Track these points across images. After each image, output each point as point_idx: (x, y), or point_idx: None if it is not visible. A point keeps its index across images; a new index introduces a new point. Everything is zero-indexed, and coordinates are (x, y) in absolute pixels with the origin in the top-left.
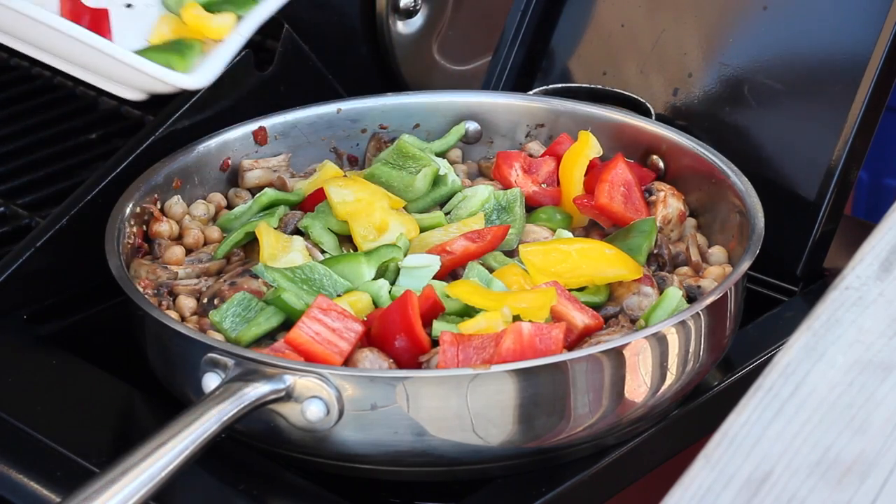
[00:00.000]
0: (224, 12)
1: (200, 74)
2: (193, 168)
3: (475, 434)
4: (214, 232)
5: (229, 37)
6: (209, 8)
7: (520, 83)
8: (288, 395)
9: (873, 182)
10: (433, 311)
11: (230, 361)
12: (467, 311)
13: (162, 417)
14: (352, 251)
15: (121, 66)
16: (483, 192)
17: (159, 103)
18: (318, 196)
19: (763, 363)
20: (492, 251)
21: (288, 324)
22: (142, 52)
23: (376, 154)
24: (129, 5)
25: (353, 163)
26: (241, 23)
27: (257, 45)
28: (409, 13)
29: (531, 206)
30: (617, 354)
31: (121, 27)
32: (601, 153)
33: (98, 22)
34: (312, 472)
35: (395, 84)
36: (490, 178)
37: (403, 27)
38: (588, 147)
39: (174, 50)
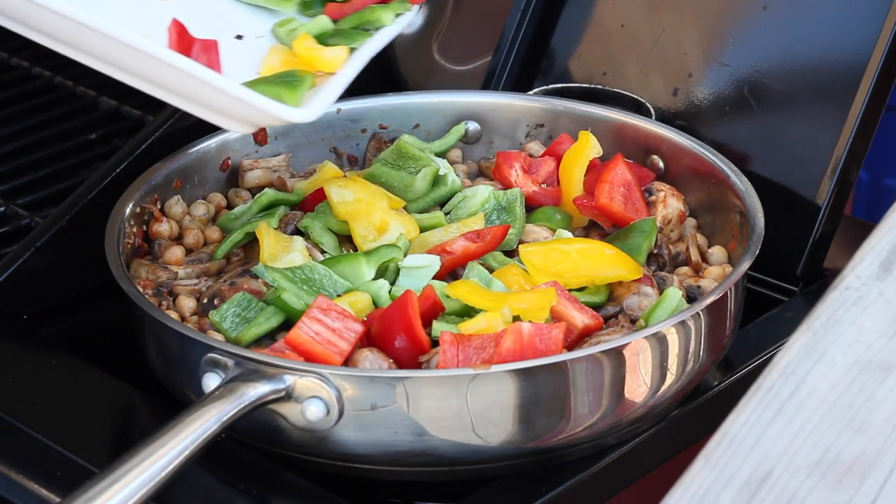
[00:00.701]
0: (336, 45)
1: (311, 108)
2: (193, 168)
3: (475, 434)
4: (214, 232)
5: (341, 70)
6: (321, 40)
7: (520, 83)
8: (288, 395)
9: (873, 182)
10: (433, 311)
11: (230, 361)
12: (467, 311)
13: (162, 417)
14: (352, 251)
15: (230, 99)
16: (483, 192)
17: (159, 104)
18: (318, 196)
19: (763, 363)
20: (492, 251)
21: (288, 324)
22: (251, 84)
23: (376, 154)
24: (239, 37)
25: (353, 163)
26: (353, 56)
27: None
28: None
29: (531, 206)
30: (617, 354)
31: (230, 59)
32: (601, 153)
33: (207, 54)
34: (312, 472)
35: (395, 84)
36: (490, 178)
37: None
38: (588, 147)
39: (285, 82)
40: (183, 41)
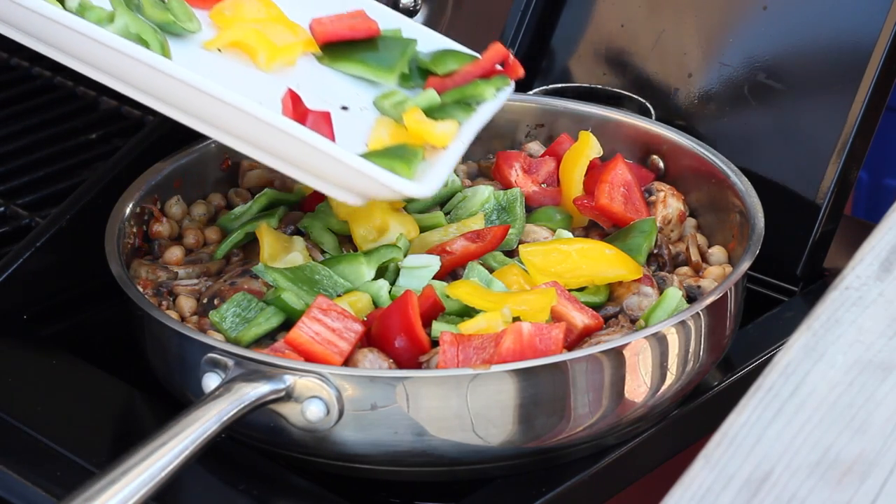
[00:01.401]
0: (446, 119)
1: (428, 183)
2: (193, 168)
3: (475, 434)
4: (214, 232)
5: (452, 144)
6: (429, 113)
7: (520, 83)
8: (288, 395)
9: (873, 182)
10: (433, 311)
11: (230, 361)
12: (467, 311)
13: (162, 417)
14: (352, 251)
15: (349, 171)
16: (483, 192)
17: None
18: (318, 196)
19: (763, 363)
20: (492, 251)
21: (288, 324)
22: (366, 157)
23: None
24: (344, 108)
25: None
26: (462, 129)
27: None
28: (409, 13)
29: (531, 206)
30: (617, 354)
31: (339, 130)
32: (601, 153)
33: (322, 125)
34: (312, 472)
35: None
36: (490, 178)
37: None
38: (588, 147)
39: (398, 156)
40: (298, 111)
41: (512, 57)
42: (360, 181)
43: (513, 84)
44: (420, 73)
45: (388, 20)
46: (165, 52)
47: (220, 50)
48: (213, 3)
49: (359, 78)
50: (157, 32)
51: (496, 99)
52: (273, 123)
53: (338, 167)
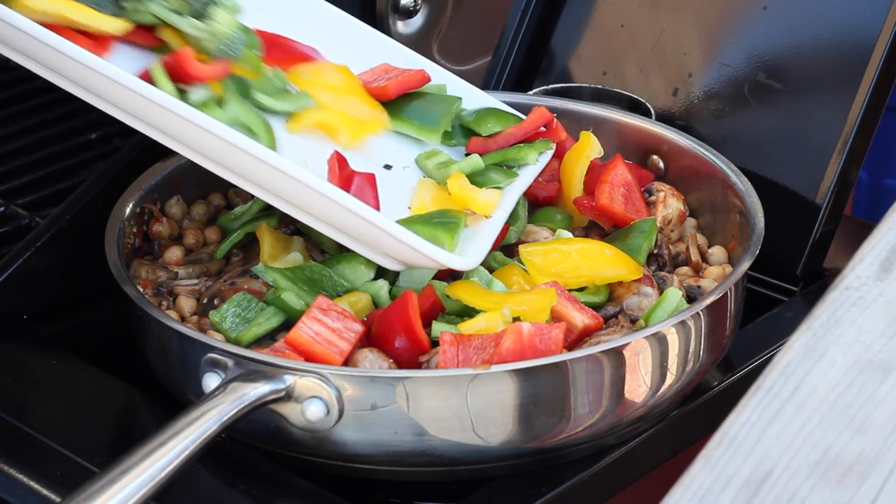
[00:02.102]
0: (487, 182)
1: (471, 256)
2: (193, 168)
3: (475, 434)
4: (214, 232)
5: (495, 213)
6: (471, 176)
7: (520, 83)
8: (288, 395)
9: (873, 182)
10: (433, 311)
11: (230, 361)
12: (467, 312)
13: (162, 417)
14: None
15: (393, 240)
16: None
17: None
18: None
19: (763, 363)
20: (493, 251)
21: (288, 324)
22: (408, 224)
23: None
24: (387, 166)
25: None
26: (504, 196)
27: None
28: (409, 13)
29: (532, 205)
30: (617, 354)
31: (382, 191)
32: (602, 153)
33: (367, 188)
34: (313, 472)
35: None
36: None
37: (403, 27)
38: (589, 147)
39: (441, 224)
40: (343, 174)
41: (556, 121)
42: (404, 251)
43: (554, 147)
44: (462, 130)
45: (435, 76)
46: (271, 143)
47: (293, 127)
48: (291, 64)
49: (402, 135)
50: (264, 122)
51: (538, 164)
52: (324, 192)
53: (382, 236)
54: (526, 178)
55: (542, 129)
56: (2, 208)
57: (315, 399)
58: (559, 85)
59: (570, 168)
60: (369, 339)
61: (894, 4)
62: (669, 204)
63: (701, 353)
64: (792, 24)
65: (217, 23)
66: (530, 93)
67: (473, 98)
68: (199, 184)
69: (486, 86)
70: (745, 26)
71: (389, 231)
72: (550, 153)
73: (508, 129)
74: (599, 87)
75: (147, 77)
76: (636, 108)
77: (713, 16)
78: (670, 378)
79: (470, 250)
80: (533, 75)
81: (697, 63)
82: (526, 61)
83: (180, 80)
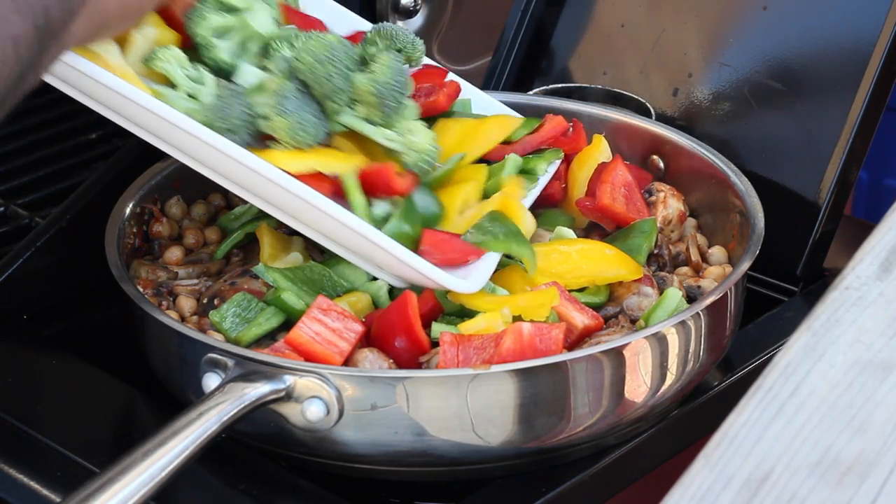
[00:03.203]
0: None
1: (474, 280)
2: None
3: (475, 434)
4: (214, 232)
5: None
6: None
7: (520, 83)
8: (288, 395)
9: (873, 182)
10: (433, 311)
11: (230, 361)
12: (467, 312)
13: (162, 417)
14: None
15: (399, 263)
16: None
17: None
18: None
19: (763, 363)
20: None
21: (288, 324)
22: (481, 243)
23: None
24: None
25: None
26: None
27: None
28: (409, 13)
29: (533, 205)
30: (617, 354)
31: None
32: (610, 158)
33: None
34: (313, 472)
35: None
36: None
37: (403, 27)
38: (599, 151)
39: (510, 235)
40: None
41: (580, 127)
42: (409, 272)
43: (562, 156)
44: None
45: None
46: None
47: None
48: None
49: None
50: None
51: (546, 174)
52: (329, 213)
53: (389, 259)
54: (535, 190)
55: (563, 136)
56: (2, 208)
57: (315, 399)
58: (559, 85)
59: (577, 171)
60: (369, 339)
61: (894, 5)
62: (669, 204)
63: (701, 353)
64: (792, 25)
65: (412, 135)
66: (530, 93)
67: (481, 103)
68: (199, 184)
69: (486, 86)
70: (746, 26)
71: (399, 256)
72: (558, 162)
73: (525, 137)
74: (599, 87)
75: (338, 187)
76: (636, 108)
77: (713, 16)
78: (670, 378)
79: (473, 273)
80: (533, 75)
81: (697, 63)
82: (526, 61)
83: (374, 190)
